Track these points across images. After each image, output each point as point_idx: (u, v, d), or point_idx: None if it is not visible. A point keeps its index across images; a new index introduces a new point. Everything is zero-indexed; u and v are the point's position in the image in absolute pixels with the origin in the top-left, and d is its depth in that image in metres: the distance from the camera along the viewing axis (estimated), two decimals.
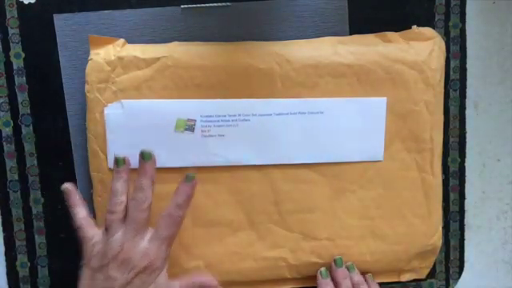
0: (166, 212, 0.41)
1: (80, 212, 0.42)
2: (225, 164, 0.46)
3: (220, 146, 0.45)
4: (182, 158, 0.45)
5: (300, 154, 0.46)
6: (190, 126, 0.45)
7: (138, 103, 0.44)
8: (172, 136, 0.45)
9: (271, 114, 0.45)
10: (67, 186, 0.43)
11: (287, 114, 0.45)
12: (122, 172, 0.42)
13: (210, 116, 0.45)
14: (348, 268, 0.47)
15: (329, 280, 0.46)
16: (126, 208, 0.41)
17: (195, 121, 0.45)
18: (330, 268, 0.47)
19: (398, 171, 0.47)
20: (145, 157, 0.42)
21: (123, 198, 0.41)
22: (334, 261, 0.47)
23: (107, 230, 0.40)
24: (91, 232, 0.41)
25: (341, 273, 0.46)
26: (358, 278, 0.47)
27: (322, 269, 0.47)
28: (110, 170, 0.45)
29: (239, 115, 0.45)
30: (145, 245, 0.40)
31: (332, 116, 0.46)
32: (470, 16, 0.49)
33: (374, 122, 0.46)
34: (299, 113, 0.46)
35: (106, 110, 0.44)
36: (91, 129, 0.45)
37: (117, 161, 0.42)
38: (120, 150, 0.44)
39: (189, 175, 0.42)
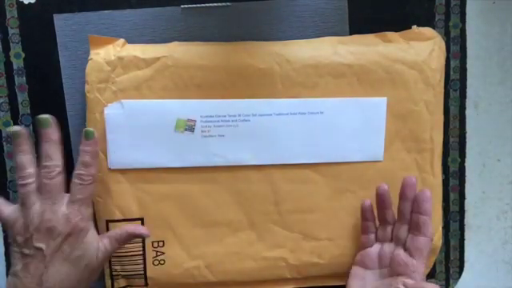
0: (75, 173, 0.41)
1: None
2: (225, 164, 0.46)
3: (220, 146, 0.45)
4: (181, 158, 0.45)
5: (300, 154, 0.46)
6: (190, 126, 0.45)
7: (138, 103, 0.44)
8: (172, 136, 0.45)
9: (271, 114, 0.45)
10: None
11: (287, 114, 0.45)
12: (21, 145, 0.40)
13: (210, 116, 0.45)
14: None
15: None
16: (38, 178, 0.40)
17: (195, 121, 0.45)
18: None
19: (398, 171, 0.47)
20: (42, 124, 0.40)
21: (31, 170, 0.40)
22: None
23: (23, 203, 0.40)
24: (7, 211, 0.40)
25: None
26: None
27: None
28: (110, 170, 0.45)
29: (239, 115, 0.45)
30: (64, 210, 0.40)
31: (332, 116, 0.46)
32: (470, 16, 0.49)
33: (374, 122, 0.46)
34: (299, 113, 0.46)
35: (106, 110, 0.44)
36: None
37: (13, 134, 0.40)
38: (120, 149, 0.44)
39: (88, 131, 0.41)
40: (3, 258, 0.49)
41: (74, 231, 0.40)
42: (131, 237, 0.43)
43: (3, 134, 0.47)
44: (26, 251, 0.39)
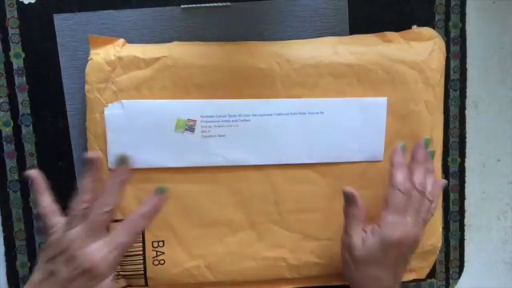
0: (129, 218, 0.40)
1: (44, 200, 0.41)
2: (225, 164, 0.46)
3: (220, 146, 0.45)
4: (182, 159, 0.45)
5: (300, 154, 0.46)
6: (190, 127, 0.45)
7: (139, 103, 0.44)
8: (172, 136, 0.45)
9: (271, 114, 0.45)
10: (32, 172, 0.41)
11: (287, 114, 0.45)
12: (95, 170, 0.40)
13: (211, 116, 0.45)
14: (431, 154, 0.45)
15: (404, 155, 0.44)
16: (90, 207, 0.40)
17: (195, 121, 0.45)
18: (416, 146, 0.45)
19: None
20: (120, 161, 0.40)
21: (88, 197, 0.40)
22: (425, 141, 0.45)
23: (68, 222, 0.39)
24: (54, 220, 0.40)
25: (421, 153, 0.44)
26: (432, 166, 0.45)
27: (402, 143, 0.44)
28: (110, 169, 0.45)
29: (239, 115, 0.45)
30: (95, 247, 0.38)
31: (332, 116, 0.46)
32: (470, 16, 0.49)
33: (375, 123, 0.46)
34: (299, 113, 0.46)
35: (107, 110, 0.44)
36: (91, 129, 0.45)
37: (91, 160, 0.40)
38: (120, 150, 0.44)
39: (161, 188, 0.40)
40: (3, 257, 0.49)
41: (91, 272, 0.38)
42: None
43: (3, 134, 0.47)
44: (49, 266, 0.38)
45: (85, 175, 0.40)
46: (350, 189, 0.43)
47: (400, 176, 0.42)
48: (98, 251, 0.38)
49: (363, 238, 0.42)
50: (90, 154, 0.41)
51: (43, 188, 0.41)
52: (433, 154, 0.45)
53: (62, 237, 0.39)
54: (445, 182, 0.46)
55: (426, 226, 0.46)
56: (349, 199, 0.43)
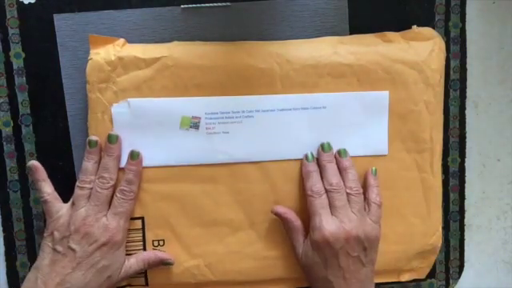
0: (118, 189, 0.44)
1: (46, 187, 0.44)
2: (229, 161, 0.46)
3: (225, 142, 0.45)
4: (187, 156, 0.45)
5: (304, 150, 0.46)
6: (194, 124, 0.45)
7: (144, 102, 0.45)
8: (177, 134, 0.45)
9: (274, 110, 0.46)
10: (33, 162, 0.45)
11: (290, 109, 0.46)
12: (93, 153, 0.44)
13: (215, 113, 0.45)
14: (340, 153, 0.46)
15: (314, 163, 0.46)
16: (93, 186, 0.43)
17: (200, 118, 0.45)
18: (317, 153, 0.46)
19: (397, 171, 0.47)
20: (110, 140, 0.44)
21: (92, 177, 0.43)
22: (321, 146, 0.46)
23: (74, 204, 0.43)
24: (57, 206, 0.43)
25: (326, 156, 0.45)
26: (347, 163, 0.46)
27: (308, 152, 0.46)
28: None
29: (243, 112, 0.45)
30: (105, 220, 0.42)
31: (335, 111, 0.46)
32: (470, 16, 0.49)
33: (377, 116, 0.46)
34: (302, 108, 0.46)
35: (113, 109, 0.44)
36: (92, 128, 0.45)
37: (89, 142, 0.44)
38: (126, 148, 0.45)
39: (134, 152, 0.44)
40: (3, 257, 0.49)
41: (109, 242, 0.42)
42: (160, 263, 0.46)
43: (3, 134, 0.47)
44: (59, 248, 0.41)
45: (86, 157, 0.44)
46: (277, 208, 0.46)
47: (308, 182, 0.45)
48: (110, 223, 0.43)
49: (303, 246, 0.45)
50: (92, 137, 0.44)
51: (45, 176, 0.44)
52: (343, 152, 0.46)
53: (73, 217, 0.42)
54: (370, 169, 0.46)
55: (425, 226, 0.46)
56: (280, 217, 0.46)
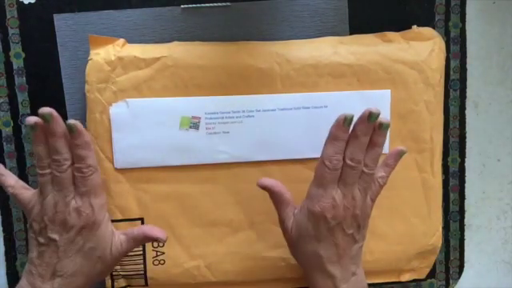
0: (74, 168, 0.40)
1: (8, 179, 0.42)
2: (230, 161, 0.46)
3: (225, 142, 0.45)
4: (187, 156, 0.45)
5: (305, 149, 0.46)
6: (194, 124, 0.45)
7: (143, 102, 0.44)
8: (177, 134, 0.45)
9: (275, 110, 0.46)
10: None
11: (291, 108, 0.46)
12: (38, 136, 0.40)
13: (215, 113, 0.45)
14: (380, 126, 0.41)
15: (347, 129, 0.40)
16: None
17: (200, 118, 0.45)
18: (359, 118, 0.41)
19: (398, 171, 0.47)
20: (44, 119, 0.39)
21: (46, 162, 0.40)
22: (370, 113, 0.40)
23: (41, 191, 0.40)
24: (26, 195, 0.41)
25: (366, 126, 0.40)
26: (382, 139, 0.41)
27: (349, 114, 0.40)
28: (114, 169, 0.45)
29: (243, 111, 0.45)
30: (74, 204, 0.40)
31: (336, 110, 0.45)
32: (470, 16, 0.49)
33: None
34: (303, 107, 0.46)
35: (111, 109, 0.44)
36: (91, 129, 0.45)
37: (29, 127, 0.40)
38: (125, 148, 0.45)
39: (69, 125, 0.39)
40: (3, 257, 0.49)
41: (87, 224, 0.40)
42: (148, 239, 0.42)
43: (3, 134, 0.47)
44: (41, 240, 0.40)
45: (33, 143, 0.40)
46: (261, 180, 0.43)
47: (330, 149, 0.40)
48: (82, 205, 0.40)
49: (294, 217, 0.42)
50: (29, 119, 0.39)
51: (3, 170, 0.42)
52: (385, 125, 0.41)
53: (43, 206, 0.40)
54: (399, 149, 0.42)
55: (425, 226, 0.46)
56: (265, 189, 0.43)
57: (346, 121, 0.40)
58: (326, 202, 0.40)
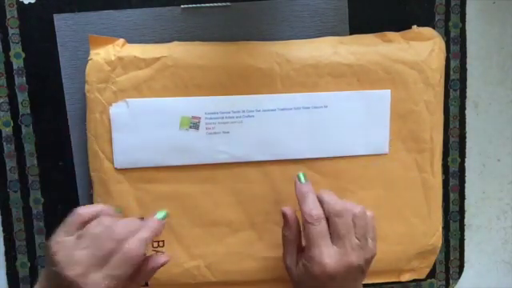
0: (127, 248, 0.37)
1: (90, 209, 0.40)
2: (230, 161, 0.46)
3: (225, 142, 0.45)
4: (187, 156, 0.45)
5: (304, 149, 0.46)
6: (194, 124, 0.45)
7: (143, 102, 0.44)
8: (177, 134, 0.45)
9: (275, 110, 0.46)
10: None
11: (291, 108, 0.46)
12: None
13: (215, 113, 0.45)
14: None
15: (308, 184, 0.42)
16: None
17: (200, 118, 0.45)
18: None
19: (398, 171, 0.47)
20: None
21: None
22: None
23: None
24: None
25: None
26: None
27: (300, 173, 0.42)
28: (110, 169, 0.45)
29: (243, 111, 0.45)
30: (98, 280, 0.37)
31: (336, 110, 0.46)
32: (470, 16, 0.49)
33: (379, 115, 0.46)
34: (303, 107, 0.46)
35: (112, 109, 0.44)
36: (91, 129, 0.45)
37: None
38: (126, 148, 0.45)
39: (162, 214, 0.40)
40: (3, 257, 0.49)
41: None
42: (156, 270, 0.41)
43: (3, 134, 0.47)
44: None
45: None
46: (286, 209, 0.42)
47: (306, 206, 0.40)
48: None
49: (296, 264, 0.41)
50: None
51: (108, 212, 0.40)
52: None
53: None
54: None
55: (425, 226, 0.46)
56: (284, 219, 0.42)
57: (299, 178, 0.42)
58: (325, 264, 0.38)
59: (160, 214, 0.40)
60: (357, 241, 0.39)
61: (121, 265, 0.37)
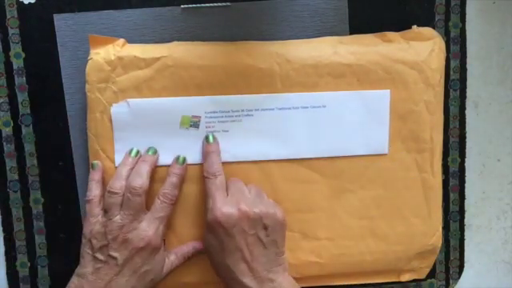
0: (162, 192, 0.44)
1: (97, 189, 0.44)
2: (229, 160, 0.46)
3: (224, 141, 0.46)
4: (187, 156, 0.45)
5: (304, 149, 0.46)
6: (194, 123, 0.45)
7: (144, 102, 0.45)
8: (177, 133, 0.45)
9: (274, 109, 0.46)
10: (98, 162, 0.45)
11: (290, 108, 0.46)
12: (130, 160, 0.44)
13: (215, 112, 0.45)
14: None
15: (215, 144, 0.45)
16: (124, 194, 0.43)
17: (200, 117, 0.45)
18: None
19: (398, 171, 0.47)
20: (149, 150, 0.44)
21: (123, 183, 0.43)
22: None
23: (106, 211, 0.43)
24: (96, 210, 0.43)
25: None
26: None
27: (210, 134, 0.45)
28: (115, 169, 0.45)
29: (243, 110, 0.45)
30: (142, 227, 0.42)
31: (336, 110, 0.46)
32: (470, 16, 0.49)
33: (378, 115, 0.46)
34: (303, 107, 0.46)
35: (113, 109, 0.44)
36: (92, 128, 0.45)
37: (131, 150, 0.44)
38: (127, 148, 0.45)
39: (180, 157, 0.45)
40: (3, 257, 0.49)
41: (148, 247, 0.42)
42: (197, 253, 0.46)
43: (3, 134, 0.47)
44: (100, 257, 0.42)
45: (124, 163, 0.44)
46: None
47: (206, 163, 0.44)
48: (146, 229, 0.42)
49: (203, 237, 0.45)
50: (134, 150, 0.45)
51: (100, 178, 0.44)
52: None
53: (108, 226, 0.42)
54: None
55: (425, 226, 0.46)
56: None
57: (208, 138, 0.45)
58: (216, 209, 0.42)
59: (179, 161, 0.45)
60: (249, 195, 0.44)
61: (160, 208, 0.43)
